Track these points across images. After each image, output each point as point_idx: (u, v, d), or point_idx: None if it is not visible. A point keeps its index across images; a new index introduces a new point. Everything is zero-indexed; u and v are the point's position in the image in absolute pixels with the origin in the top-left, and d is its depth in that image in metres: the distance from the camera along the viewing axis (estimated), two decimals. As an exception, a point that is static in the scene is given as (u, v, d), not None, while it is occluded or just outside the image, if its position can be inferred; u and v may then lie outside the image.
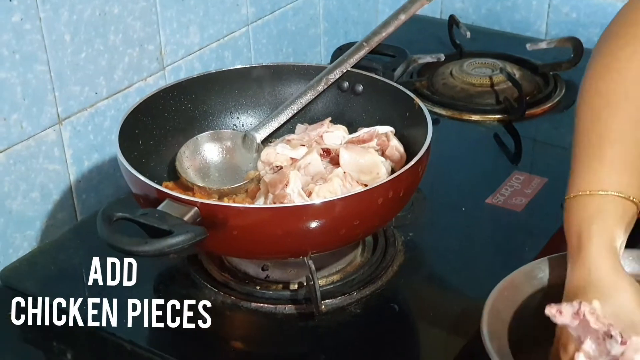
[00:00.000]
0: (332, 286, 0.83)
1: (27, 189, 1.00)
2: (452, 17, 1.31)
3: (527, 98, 1.15)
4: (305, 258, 0.78)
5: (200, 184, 0.88)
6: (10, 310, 0.86)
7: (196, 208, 0.72)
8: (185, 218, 0.71)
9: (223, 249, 0.80)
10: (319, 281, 0.80)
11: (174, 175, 0.91)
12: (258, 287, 0.83)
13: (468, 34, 1.25)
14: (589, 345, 0.65)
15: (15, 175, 0.98)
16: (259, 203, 0.82)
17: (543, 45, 1.24)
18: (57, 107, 1.01)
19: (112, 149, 1.10)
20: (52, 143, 1.02)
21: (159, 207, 0.72)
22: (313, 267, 0.78)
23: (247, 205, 0.76)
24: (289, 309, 0.82)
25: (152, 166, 0.88)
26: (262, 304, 0.82)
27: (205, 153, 0.92)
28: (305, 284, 0.82)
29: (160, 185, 0.85)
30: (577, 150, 0.79)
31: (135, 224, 0.71)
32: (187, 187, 0.88)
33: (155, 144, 0.90)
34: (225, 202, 0.76)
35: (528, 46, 1.24)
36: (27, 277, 0.87)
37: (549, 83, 1.22)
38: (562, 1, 1.37)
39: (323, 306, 0.80)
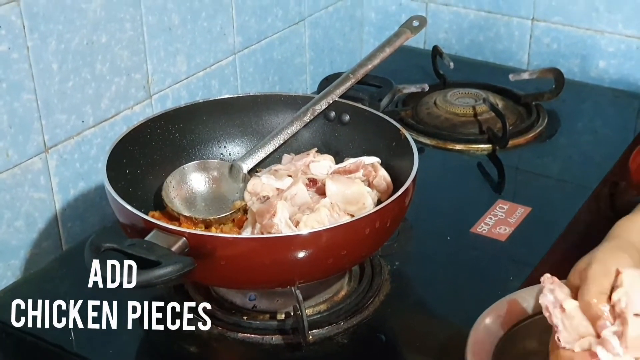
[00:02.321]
0: (319, 316, 0.84)
1: (12, 217, 1.00)
2: (435, 48, 1.33)
3: (510, 128, 1.16)
4: (292, 288, 0.78)
5: (186, 214, 0.88)
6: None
7: (184, 238, 0.72)
8: (173, 248, 0.71)
9: (211, 279, 0.80)
10: (306, 311, 0.80)
11: (160, 204, 0.91)
12: (245, 317, 0.84)
13: (451, 64, 1.27)
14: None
15: (0, 203, 0.98)
16: (247, 233, 0.83)
17: (525, 76, 1.26)
18: (44, 135, 1.02)
19: (98, 177, 1.10)
20: (38, 171, 1.02)
21: (147, 237, 0.72)
22: (300, 297, 0.78)
23: (235, 235, 0.76)
24: (276, 339, 0.82)
25: (139, 195, 0.88)
26: (249, 335, 0.82)
27: (191, 183, 0.93)
28: (292, 314, 0.82)
29: (147, 214, 0.85)
30: None
31: (124, 255, 0.71)
32: (174, 217, 0.88)
33: (143, 173, 0.91)
34: (214, 232, 0.77)
35: (511, 77, 1.26)
36: (11, 308, 0.87)
37: (531, 113, 1.23)
38: (544, 32, 1.39)
39: (310, 336, 0.80)
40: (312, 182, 0.88)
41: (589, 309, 0.68)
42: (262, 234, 0.80)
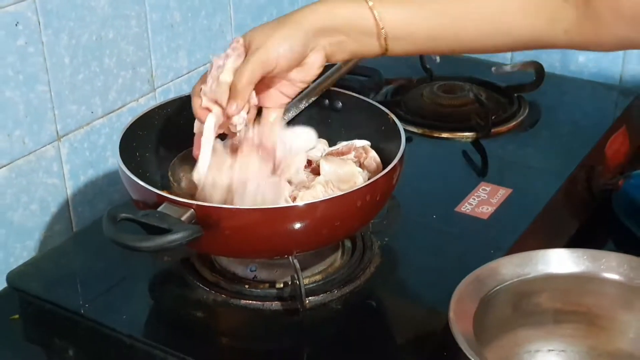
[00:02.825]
0: (315, 285, 0.90)
1: (28, 201, 1.07)
2: (423, 43, 1.39)
3: (493, 117, 1.23)
4: (290, 257, 0.85)
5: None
6: (15, 310, 0.93)
7: (192, 210, 0.79)
8: (183, 218, 0.78)
9: (217, 249, 0.87)
10: (303, 280, 0.87)
11: (167, 185, 0.98)
12: (246, 286, 0.90)
13: (438, 59, 1.33)
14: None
15: (17, 188, 1.05)
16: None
17: (507, 69, 1.33)
18: (57, 124, 1.08)
19: (106, 165, 1.17)
20: (51, 158, 1.09)
21: (158, 209, 0.79)
22: (298, 265, 0.85)
23: (238, 207, 0.83)
24: (275, 305, 0.88)
25: (148, 176, 0.95)
26: (250, 301, 0.88)
27: (195, 164, 0.99)
28: (290, 283, 0.89)
29: (155, 194, 0.92)
30: None
31: (137, 224, 0.78)
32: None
33: (151, 156, 0.97)
34: (219, 205, 0.83)
35: (493, 70, 1.33)
36: (32, 279, 0.94)
37: (513, 103, 1.30)
38: (526, 29, 1.46)
39: (307, 302, 0.87)
40: (308, 163, 0.95)
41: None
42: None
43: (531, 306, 0.86)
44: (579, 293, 0.85)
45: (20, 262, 1.07)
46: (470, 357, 0.71)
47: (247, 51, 0.84)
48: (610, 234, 1.19)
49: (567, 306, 0.86)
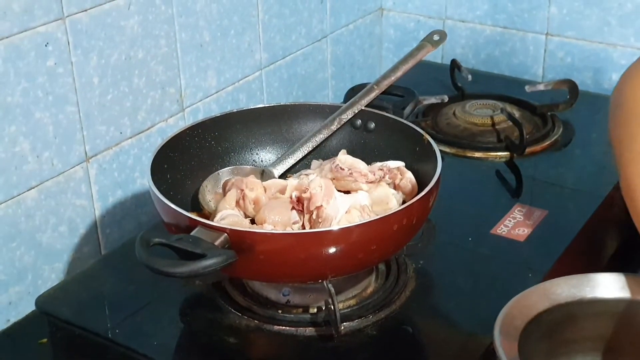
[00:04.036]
0: (349, 310, 0.88)
1: (56, 222, 1.06)
2: (454, 62, 1.38)
3: (527, 136, 1.21)
4: (325, 282, 0.83)
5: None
6: (44, 334, 0.92)
7: (226, 234, 0.77)
8: (216, 243, 0.76)
9: (250, 273, 0.85)
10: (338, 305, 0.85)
11: (197, 206, 0.96)
12: (280, 311, 0.88)
13: (469, 77, 1.32)
14: None
15: (46, 209, 1.04)
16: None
17: (541, 87, 1.31)
18: (85, 145, 1.07)
19: (135, 186, 1.16)
20: (79, 179, 1.08)
21: (192, 233, 0.78)
22: (333, 290, 0.83)
23: (272, 231, 0.81)
24: (309, 331, 0.86)
25: (179, 198, 0.94)
26: (284, 327, 0.87)
27: (226, 187, 0.98)
28: (324, 308, 0.87)
29: (186, 216, 0.91)
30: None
31: (170, 249, 0.77)
32: (209, 219, 0.94)
33: (182, 178, 0.96)
34: (253, 228, 0.82)
35: (527, 88, 1.31)
36: (61, 304, 0.92)
37: (547, 122, 1.28)
38: (558, 46, 1.44)
39: (342, 328, 0.85)
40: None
41: None
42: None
43: (584, 331, 0.83)
44: (634, 319, 0.82)
45: (49, 284, 1.06)
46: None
47: None
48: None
49: (622, 332, 0.83)
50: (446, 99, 1.28)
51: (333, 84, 1.49)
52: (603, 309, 0.83)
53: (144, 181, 1.14)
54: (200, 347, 0.87)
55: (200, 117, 1.23)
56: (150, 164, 0.89)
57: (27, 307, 1.03)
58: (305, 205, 0.85)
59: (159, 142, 1.16)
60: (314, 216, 0.85)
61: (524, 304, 0.79)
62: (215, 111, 1.26)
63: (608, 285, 0.83)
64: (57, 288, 0.96)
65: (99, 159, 1.10)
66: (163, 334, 0.88)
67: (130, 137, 1.14)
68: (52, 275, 1.07)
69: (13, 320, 1.02)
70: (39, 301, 0.93)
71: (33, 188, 1.02)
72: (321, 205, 0.85)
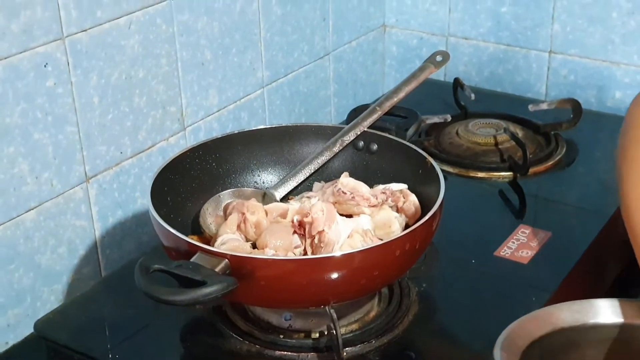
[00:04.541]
0: (351, 335, 0.87)
1: (56, 244, 1.05)
2: (456, 80, 1.37)
3: (530, 156, 1.20)
4: (327, 307, 0.82)
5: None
6: (42, 357, 0.91)
7: (227, 260, 0.76)
8: (217, 269, 0.75)
9: (252, 299, 0.84)
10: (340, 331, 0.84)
11: (198, 229, 0.96)
12: (281, 336, 0.87)
13: (473, 96, 1.31)
14: None
15: (45, 231, 1.03)
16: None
17: (544, 107, 1.30)
18: (85, 165, 1.06)
19: (135, 206, 1.15)
20: (79, 200, 1.07)
21: (192, 259, 0.77)
22: (335, 316, 0.82)
23: (273, 257, 0.80)
24: (311, 356, 0.85)
25: (179, 221, 0.93)
26: (285, 352, 0.86)
27: (227, 209, 0.97)
28: (326, 333, 0.86)
29: (186, 238, 0.90)
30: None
31: (170, 275, 0.76)
32: (210, 241, 0.93)
33: (182, 200, 0.95)
34: (254, 254, 0.81)
35: (530, 107, 1.30)
36: (60, 328, 0.91)
37: (550, 142, 1.27)
38: (561, 64, 1.44)
39: (344, 354, 0.84)
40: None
41: None
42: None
43: (586, 357, 0.82)
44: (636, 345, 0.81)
45: (48, 306, 1.05)
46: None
47: None
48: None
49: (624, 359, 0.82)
50: (449, 118, 1.27)
51: (335, 102, 1.48)
52: (605, 335, 0.82)
53: (144, 201, 1.13)
54: (201, 374, 0.86)
55: (202, 135, 1.23)
56: (150, 188, 0.88)
57: (26, 329, 1.02)
58: (307, 229, 0.85)
59: (160, 161, 1.16)
60: (315, 241, 0.84)
61: (524, 328, 0.78)
62: (217, 130, 1.25)
63: (610, 311, 0.82)
64: (56, 312, 0.95)
65: (99, 179, 1.09)
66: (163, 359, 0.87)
67: (131, 157, 1.13)
68: (51, 297, 1.06)
69: (12, 342, 1.01)
70: (38, 325, 0.92)
71: (32, 209, 1.01)
72: (323, 230, 0.84)
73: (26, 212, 1.00)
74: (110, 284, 1.02)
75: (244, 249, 0.84)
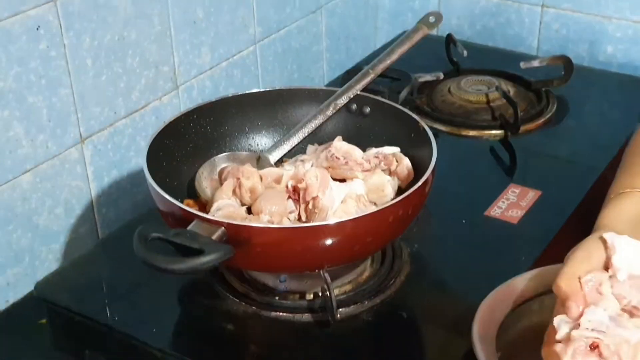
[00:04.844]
0: (345, 296, 0.90)
1: (53, 205, 1.06)
2: (449, 36, 1.37)
3: (521, 114, 1.21)
4: (321, 271, 0.84)
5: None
6: (42, 315, 0.93)
7: (223, 228, 0.78)
8: (214, 237, 0.77)
9: (248, 265, 0.86)
10: (334, 292, 0.86)
11: (193, 192, 0.97)
12: (277, 298, 0.89)
13: (465, 52, 1.31)
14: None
15: (42, 192, 1.04)
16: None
17: (536, 64, 1.30)
18: (80, 127, 1.07)
19: (130, 165, 1.16)
20: (74, 161, 1.08)
21: (189, 227, 0.78)
22: (329, 279, 0.84)
23: (269, 225, 0.82)
24: (306, 317, 0.88)
25: (175, 185, 0.94)
26: (281, 313, 0.88)
27: (222, 173, 0.98)
28: (320, 294, 0.88)
29: (182, 202, 0.91)
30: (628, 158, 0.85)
31: (168, 244, 0.77)
32: (206, 205, 0.94)
33: (177, 165, 0.96)
34: (249, 222, 0.83)
35: (522, 64, 1.30)
36: (60, 290, 0.93)
37: (541, 99, 1.28)
38: (553, 18, 1.44)
39: (338, 314, 0.86)
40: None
41: (559, 291, 0.73)
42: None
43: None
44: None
45: (46, 265, 1.07)
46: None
47: None
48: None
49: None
50: (441, 76, 1.27)
51: (328, 57, 1.48)
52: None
53: (139, 160, 1.14)
54: (198, 334, 0.88)
55: (195, 94, 1.23)
56: (146, 153, 0.89)
57: (26, 288, 1.04)
58: (301, 195, 0.86)
59: (153, 121, 1.17)
60: (310, 206, 0.86)
61: (501, 299, 0.81)
62: (210, 88, 1.25)
63: None
64: (56, 274, 0.97)
65: (93, 140, 1.10)
66: (161, 321, 0.89)
67: (125, 117, 1.13)
68: (49, 256, 1.08)
69: (12, 300, 1.03)
70: (38, 287, 0.94)
71: (28, 171, 1.02)
72: (317, 196, 0.85)
73: (22, 174, 1.01)
74: (108, 246, 1.03)
75: (239, 215, 0.85)
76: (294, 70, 1.41)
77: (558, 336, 0.70)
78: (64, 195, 1.08)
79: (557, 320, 0.71)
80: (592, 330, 0.69)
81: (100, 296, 0.93)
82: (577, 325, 0.69)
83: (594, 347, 0.68)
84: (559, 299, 0.74)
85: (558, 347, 0.69)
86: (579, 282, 0.72)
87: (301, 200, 0.86)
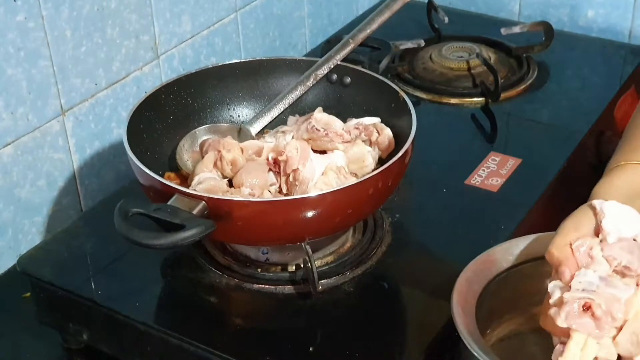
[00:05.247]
0: (327, 267, 0.90)
1: (34, 177, 1.06)
2: (430, 2, 1.37)
3: (502, 81, 1.21)
4: (303, 243, 0.85)
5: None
6: (26, 288, 0.94)
7: (204, 202, 0.78)
8: (194, 212, 0.77)
9: (229, 238, 0.87)
10: (315, 262, 0.87)
11: (175, 165, 0.97)
12: (259, 270, 0.90)
13: (446, 19, 1.31)
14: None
15: (23, 165, 1.04)
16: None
17: (517, 30, 1.30)
18: (60, 99, 1.07)
19: (112, 136, 1.16)
20: (56, 133, 1.07)
21: (170, 202, 0.78)
22: (310, 251, 0.84)
23: (249, 198, 0.82)
24: (288, 289, 0.88)
25: (156, 158, 0.94)
26: (263, 285, 0.89)
27: (203, 145, 0.98)
28: (302, 266, 0.89)
29: (162, 176, 0.92)
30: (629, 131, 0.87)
31: (149, 219, 0.78)
32: (187, 177, 0.95)
33: (158, 137, 0.96)
34: (230, 196, 0.83)
35: (502, 31, 1.30)
36: (43, 265, 0.94)
37: (522, 65, 1.28)
38: (534, -17, 1.43)
39: (320, 286, 0.87)
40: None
41: (551, 259, 0.75)
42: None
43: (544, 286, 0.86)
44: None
45: (29, 237, 1.07)
46: (467, 345, 0.72)
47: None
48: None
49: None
50: (422, 43, 1.27)
51: (310, 23, 1.47)
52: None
53: (120, 131, 1.14)
54: (182, 307, 0.89)
55: (176, 63, 1.22)
56: (126, 127, 0.89)
57: (9, 261, 1.05)
58: (281, 167, 0.86)
59: (134, 91, 1.16)
60: (290, 179, 0.86)
61: (482, 268, 0.81)
62: (191, 57, 1.25)
63: None
64: (39, 248, 0.97)
65: (75, 111, 1.09)
66: (144, 294, 0.90)
67: (106, 88, 1.13)
68: (32, 229, 1.08)
69: (-5, 274, 1.04)
70: (21, 262, 0.94)
71: (9, 144, 1.02)
72: (297, 168, 0.86)
73: (3, 147, 1.01)
74: (91, 219, 1.03)
75: (220, 188, 0.86)
76: (276, 38, 1.40)
77: (551, 301, 0.72)
78: (45, 168, 1.08)
79: (551, 286, 0.73)
80: (583, 290, 0.70)
81: (84, 270, 0.94)
82: (569, 289, 0.71)
83: (586, 307, 0.70)
84: (553, 268, 0.75)
85: (552, 311, 0.71)
86: (571, 248, 0.74)
87: (282, 173, 0.86)
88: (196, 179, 0.87)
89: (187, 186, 0.87)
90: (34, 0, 0.99)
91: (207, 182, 0.86)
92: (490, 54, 1.28)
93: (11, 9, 0.97)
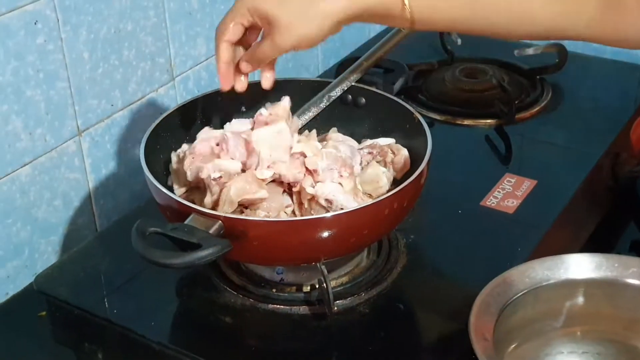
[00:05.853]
0: (342, 288, 0.90)
1: (51, 197, 1.07)
2: (443, 25, 1.37)
3: (516, 102, 1.21)
4: (318, 263, 0.85)
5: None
6: (42, 307, 0.94)
7: (220, 222, 0.78)
8: (211, 231, 0.78)
9: (244, 258, 0.87)
10: (330, 284, 0.87)
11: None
12: (274, 290, 0.90)
13: (459, 40, 1.31)
14: None
15: (40, 185, 1.05)
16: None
17: (530, 52, 1.31)
18: (77, 120, 1.08)
19: (127, 156, 1.17)
20: (72, 154, 1.08)
21: (186, 221, 0.79)
22: (326, 272, 0.84)
23: (265, 218, 0.83)
24: (303, 309, 0.88)
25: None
26: (278, 306, 0.89)
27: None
28: (317, 286, 0.88)
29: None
30: None
31: (166, 238, 0.78)
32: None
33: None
34: (246, 216, 0.83)
35: (516, 52, 1.31)
36: (59, 284, 0.94)
37: (535, 87, 1.29)
38: (548, 6, 1.43)
39: (335, 307, 0.87)
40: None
41: None
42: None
43: (563, 309, 0.86)
44: (611, 297, 0.85)
45: (45, 257, 1.08)
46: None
47: (269, 24, 0.83)
48: (636, 220, 1.19)
49: (601, 309, 0.86)
50: (436, 65, 1.28)
51: (322, 44, 1.46)
52: (576, 289, 0.85)
53: (136, 152, 1.14)
54: (197, 327, 0.89)
55: (191, 85, 1.23)
56: (143, 147, 0.90)
57: (25, 280, 1.05)
58: (295, 197, 0.87)
59: (150, 112, 1.17)
60: (305, 206, 0.86)
61: (498, 290, 0.81)
62: (206, 79, 1.26)
63: (581, 266, 0.85)
64: (55, 267, 0.97)
65: (91, 132, 1.10)
66: (161, 314, 0.90)
67: (122, 109, 1.14)
68: (48, 248, 1.08)
69: (11, 293, 1.04)
70: (37, 281, 0.94)
71: (27, 164, 1.03)
72: (312, 197, 0.86)
73: (21, 167, 1.02)
74: (106, 238, 1.04)
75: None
76: (289, 59, 1.41)
77: None
78: (62, 188, 1.08)
79: None
80: None
81: (99, 289, 0.94)
82: None
83: None
84: None
85: None
86: None
87: (296, 201, 0.87)
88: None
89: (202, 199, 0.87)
90: (53, 23, 1.00)
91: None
92: (503, 76, 1.28)
93: (32, 32, 0.98)
